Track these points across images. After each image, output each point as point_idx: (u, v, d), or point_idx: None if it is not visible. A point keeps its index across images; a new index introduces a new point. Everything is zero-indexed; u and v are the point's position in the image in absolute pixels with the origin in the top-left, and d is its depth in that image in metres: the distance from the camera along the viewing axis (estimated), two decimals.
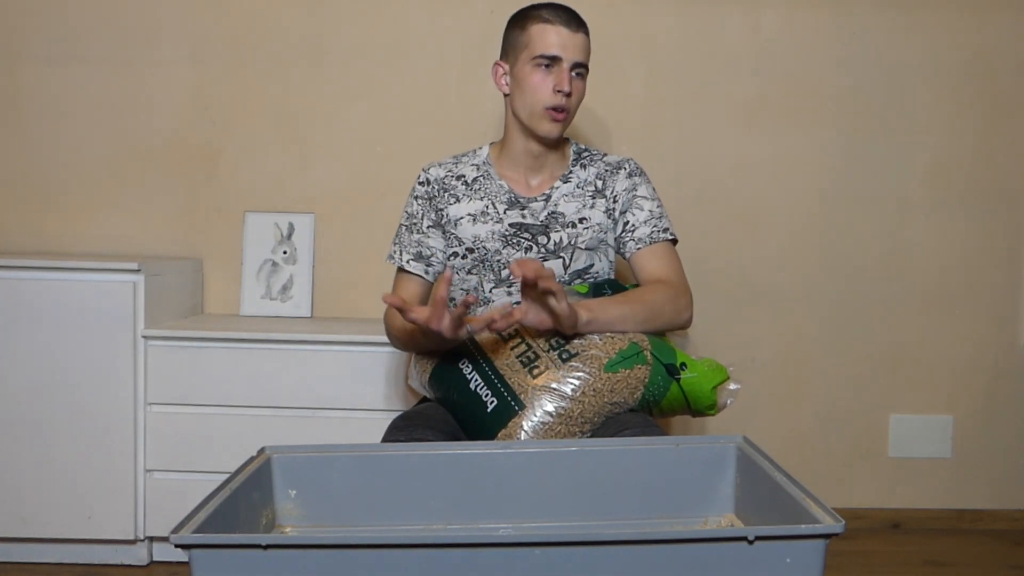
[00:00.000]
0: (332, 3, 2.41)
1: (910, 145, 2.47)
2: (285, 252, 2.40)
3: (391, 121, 2.44)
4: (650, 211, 1.75)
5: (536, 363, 1.52)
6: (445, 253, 1.78)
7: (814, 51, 2.45)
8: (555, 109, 1.67)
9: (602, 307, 1.56)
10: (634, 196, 1.76)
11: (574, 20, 1.68)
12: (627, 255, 1.76)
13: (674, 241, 1.76)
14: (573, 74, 1.68)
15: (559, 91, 1.65)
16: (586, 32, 1.70)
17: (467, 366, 1.56)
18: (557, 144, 1.76)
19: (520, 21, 1.72)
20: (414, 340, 1.62)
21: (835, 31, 2.44)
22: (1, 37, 2.40)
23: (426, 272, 1.77)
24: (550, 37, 1.66)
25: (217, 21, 2.41)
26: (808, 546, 0.99)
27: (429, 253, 1.77)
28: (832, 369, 2.50)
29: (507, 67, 1.73)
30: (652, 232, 1.74)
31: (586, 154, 1.82)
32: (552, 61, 1.66)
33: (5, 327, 2.05)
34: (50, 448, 2.07)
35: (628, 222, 1.75)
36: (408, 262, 1.76)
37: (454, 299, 1.80)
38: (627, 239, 1.75)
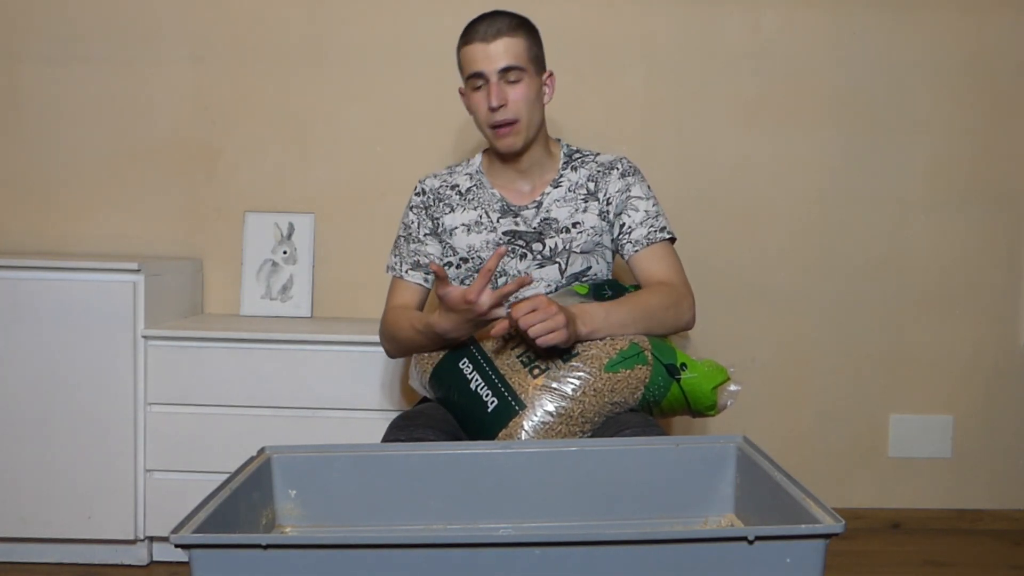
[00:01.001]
0: (332, 3, 2.41)
1: (910, 145, 2.47)
2: (285, 252, 2.40)
3: (391, 121, 2.44)
4: (645, 211, 1.74)
5: (536, 363, 1.52)
6: (442, 260, 1.78)
7: (814, 51, 2.45)
8: (497, 125, 1.67)
9: (604, 318, 1.55)
10: (628, 197, 1.75)
11: (492, 28, 1.65)
12: (626, 257, 1.75)
13: (672, 240, 1.75)
14: (505, 84, 1.65)
15: (491, 108, 1.65)
16: (510, 35, 1.66)
17: (467, 366, 1.56)
18: (530, 148, 1.73)
19: (457, 48, 1.73)
20: (416, 339, 1.64)
21: (835, 31, 2.44)
22: (1, 37, 2.40)
23: (425, 280, 1.78)
24: (470, 56, 1.67)
25: (217, 21, 2.41)
26: (808, 546, 0.99)
27: (427, 261, 1.77)
28: (832, 369, 2.50)
29: (465, 91, 1.76)
30: (649, 233, 1.72)
31: (577, 155, 1.80)
32: (479, 78, 1.67)
33: (5, 327, 2.05)
34: (50, 448, 2.07)
35: (624, 224, 1.74)
36: (407, 272, 1.78)
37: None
38: (624, 241, 1.74)
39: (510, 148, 1.69)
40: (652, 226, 1.73)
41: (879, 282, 2.49)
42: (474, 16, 2.43)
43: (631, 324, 1.57)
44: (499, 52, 1.65)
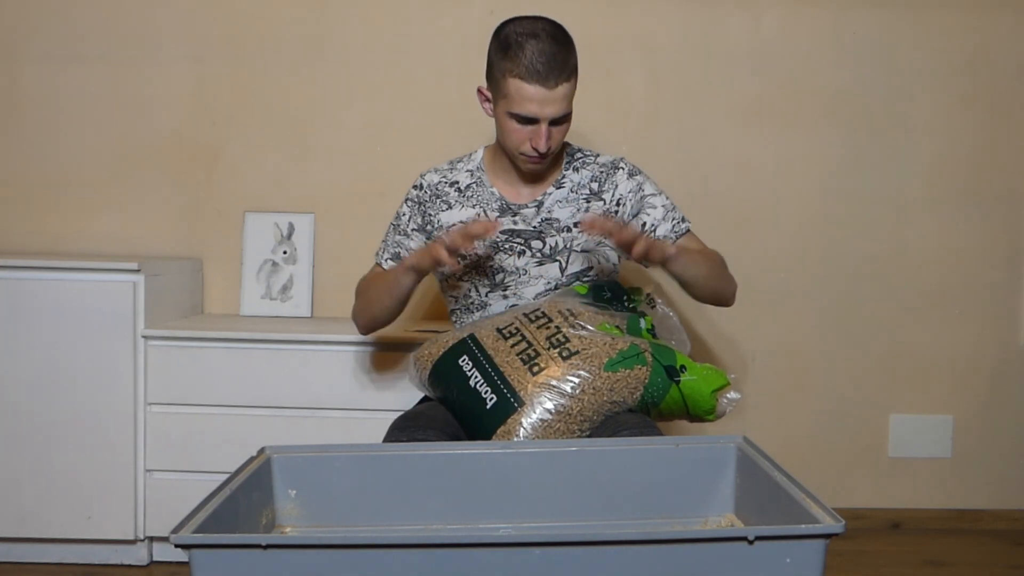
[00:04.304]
0: (332, 3, 2.41)
1: (910, 145, 2.47)
2: (285, 252, 2.40)
3: (391, 121, 2.44)
4: (663, 207, 1.77)
5: (536, 360, 1.52)
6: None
7: (814, 51, 2.45)
8: (532, 156, 1.66)
9: (687, 251, 1.64)
10: (642, 196, 1.76)
11: (554, 72, 1.58)
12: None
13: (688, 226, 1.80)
14: (552, 127, 1.63)
15: (535, 148, 1.63)
16: (568, 75, 1.61)
17: (467, 363, 1.57)
18: None
19: (499, 60, 1.62)
20: (380, 284, 1.74)
21: (835, 31, 2.44)
22: (1, 37, 2.40)
23: None
24: (527, 96, 1.58)
25: (217, 21, 2.41)
26: (808, 546, 1.00)
27: (406, 255, 1.79)
28: (832, 369, 2.50)
29: (489, 96, 1.69)
30: (673, 226, 1.76)
31: (579, 156, 1.80)
32: (529, 119, 1.62)
33: (5, 327, 2.05)
34: (50, 448, 2.07)
35: (645, 223, 1.75)
36: (386, 260, 1.81)
37: (448, 304, 1.84)
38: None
39: (534, 172, 1.72)
40: (674, 219, 1.77)
41: (879, 282, 2.49)
42: (473, 16, 2.40)
43: (705, 271, 1.68)
44: (558, 99, 1.60)
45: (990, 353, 2.51)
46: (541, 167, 1.70)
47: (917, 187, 2.48)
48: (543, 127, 1.61)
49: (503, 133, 1.68)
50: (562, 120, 1.65)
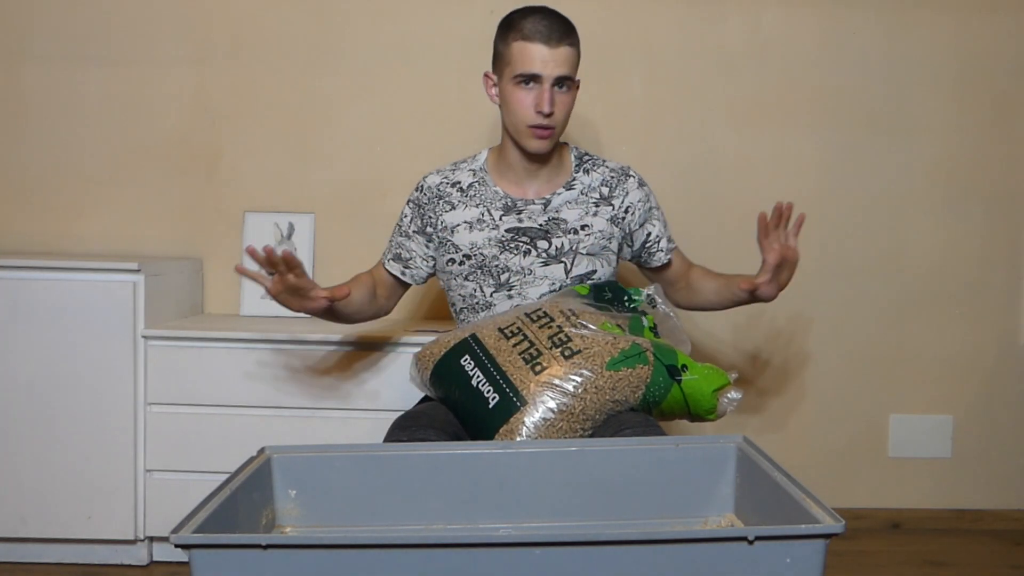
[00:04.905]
0: (333, 3, 2.41)
1: (910, 145, 2.47)
2: None
3: (391, 121, 2.44)
4: (661, 221, 1.86)
5: (539, 360, 1.52)
6: (424, 259, 1.83)
7: (814, 51, 2.45)
8: (538, 127, 1.66)
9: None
10: (650, 207, 1.83)
11: (555, 33, 1.64)
12: (656, 263, 1.85)
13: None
14: (556, 89, 1.65)
15: (539, 111, 1.64)
16: (571, 42, 1.66)
17: (469, 363, 1.57)
18: (552, 153, 1.75)
19: (503, 34, 1.69)
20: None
21: (835, 31, 2.44)
22: (2, 37, 2.40)
23: (403, 273, 1.85)
24: (529, 54, 1.63)
25: (217, 21, 2.41)
26: (808, 546, 1.00)
27: (408, 256, 1.83)
28: (832, 369, 2.50)
29: (496, 79, 1.73)
30: (667, 244, 1.86)
31: (588, 159, 1.82)
32: (532, 79, 1.64)
33: (5, 327, 2.05)
34: (50, 448, 2.07)
35: (650, 233, 1.83)
36: (388, 261, 1.86)
37: (454, 304, 1.84)
38: (655, 250, 1.84)
39: (541, 150, 1.71)
40: (667, 236, 1.86)
41: (879, 282, 2.49)
42: (474, 15, 2.41)
43: None
44: (561, 59, 1.64)
45: (990, 353, 2.51)
46: (547, 144, 1.69)
47: (917, 187, 2.48)
48: (546, 88, 1.64)
49: (509, 109, 1.69)
50: (565, 83, 1.66)
